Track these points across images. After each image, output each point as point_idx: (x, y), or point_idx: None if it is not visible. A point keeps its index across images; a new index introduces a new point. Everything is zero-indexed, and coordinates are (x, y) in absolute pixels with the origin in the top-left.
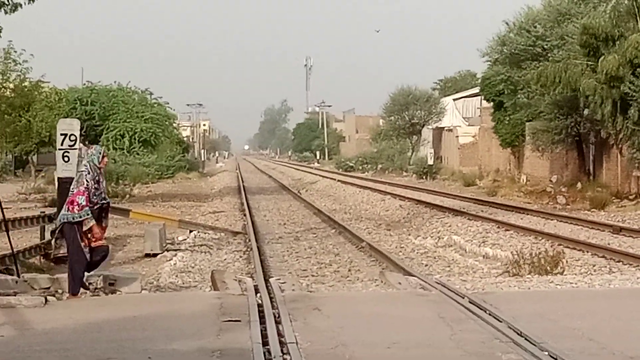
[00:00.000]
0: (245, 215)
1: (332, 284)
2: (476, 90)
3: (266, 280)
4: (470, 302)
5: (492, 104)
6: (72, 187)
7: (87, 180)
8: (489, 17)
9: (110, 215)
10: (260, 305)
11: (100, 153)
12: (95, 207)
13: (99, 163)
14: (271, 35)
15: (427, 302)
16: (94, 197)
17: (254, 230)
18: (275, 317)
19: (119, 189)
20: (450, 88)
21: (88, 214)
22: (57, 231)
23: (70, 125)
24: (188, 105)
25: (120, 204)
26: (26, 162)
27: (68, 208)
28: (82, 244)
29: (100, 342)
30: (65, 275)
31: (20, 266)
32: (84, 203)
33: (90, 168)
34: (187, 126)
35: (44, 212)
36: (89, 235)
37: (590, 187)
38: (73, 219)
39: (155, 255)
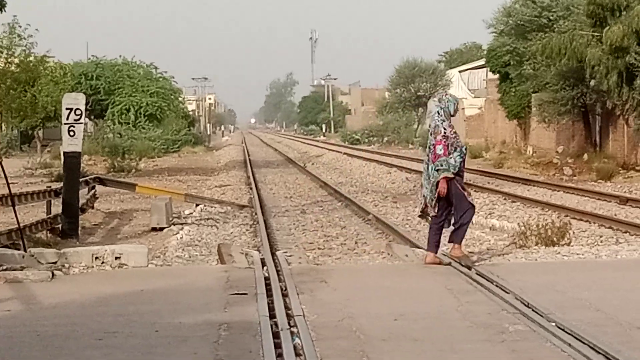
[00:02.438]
0: (251, 188)
1: (339, 256)
2: (482, 62)
3: (273, 254)
4: (477, 274)
5: (497, 75)
6: (429, 141)
7: (444, 128)
8: None
9: (115, 190)
10: (267, 279)
11: (456, 101)
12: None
13: (453, 112)
14: (277, 8)
15: (434, 274)
16: (458, 142)
17: (260, 204)
18: (282, 290)
19: (125, 164)
20: (455, 60)
21: (441, 165)
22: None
23: (76, 100)
24: (193, 79)
25: (126, 179)
26: (32, 137)
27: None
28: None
29: (107, 316)
30: (72, 250)
31: (27, 241)
32: (440, 152)
33: (445, 116)
34: (193, 100)
35: (50, 187)
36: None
37: (597, 158)
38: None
39: (161, 229)
